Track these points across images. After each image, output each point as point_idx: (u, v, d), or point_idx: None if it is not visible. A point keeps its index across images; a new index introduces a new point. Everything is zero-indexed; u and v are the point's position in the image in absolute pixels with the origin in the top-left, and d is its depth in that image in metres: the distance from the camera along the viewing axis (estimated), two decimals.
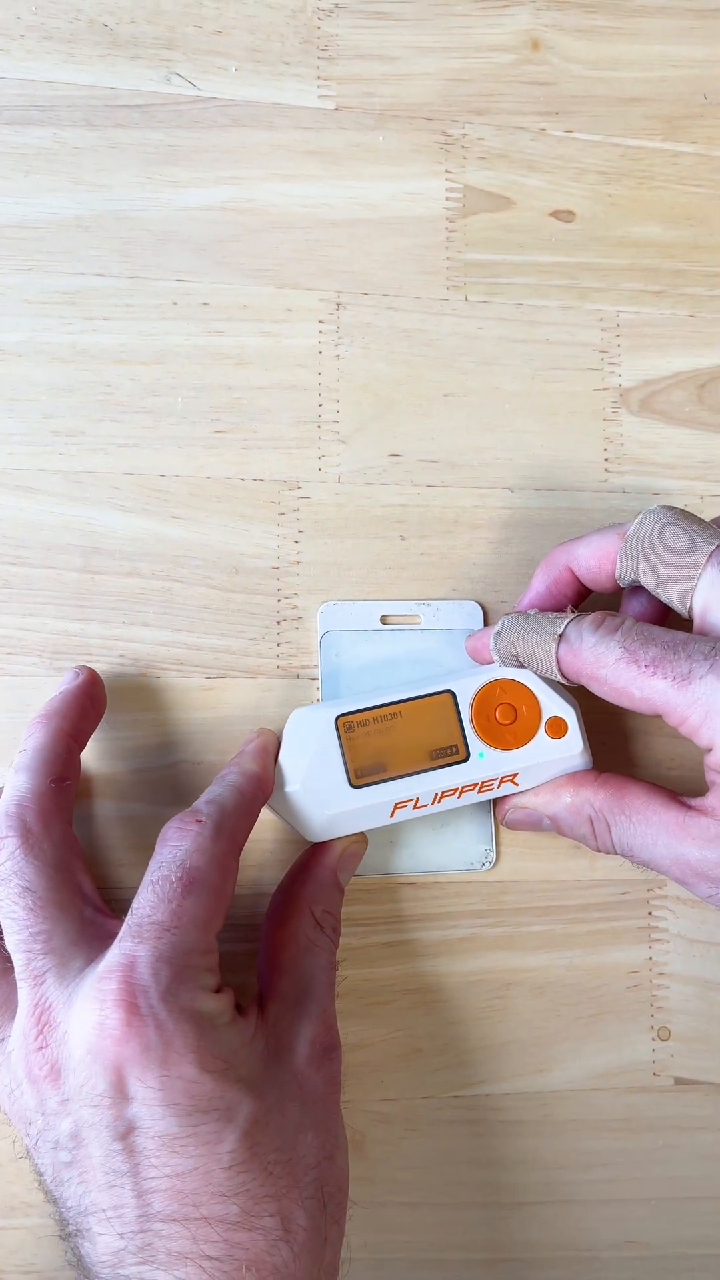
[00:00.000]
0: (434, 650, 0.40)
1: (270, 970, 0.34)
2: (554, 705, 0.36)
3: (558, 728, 0.36)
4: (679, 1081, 0.40)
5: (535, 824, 0.37)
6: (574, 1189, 0.40)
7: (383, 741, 0.35)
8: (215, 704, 0.39)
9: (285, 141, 0.42)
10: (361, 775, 0.35)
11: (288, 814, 0.35)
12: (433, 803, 0.35)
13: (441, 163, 0.43)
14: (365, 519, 0.41)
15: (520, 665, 0.36)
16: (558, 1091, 0.40)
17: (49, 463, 0.40)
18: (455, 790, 0.35)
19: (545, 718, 0.36)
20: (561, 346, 0.43)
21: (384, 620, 0.40)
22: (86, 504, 0.40)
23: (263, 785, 0.34)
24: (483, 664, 0.37)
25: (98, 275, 0.41)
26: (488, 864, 0.40)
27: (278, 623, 0.40)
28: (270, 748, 0.35)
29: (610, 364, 0.43)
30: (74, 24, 0.42)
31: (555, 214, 0.44)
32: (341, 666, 0.40)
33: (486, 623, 0.41)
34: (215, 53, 0.42)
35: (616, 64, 0.45)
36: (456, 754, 0.35)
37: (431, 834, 0.39)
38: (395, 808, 0.35)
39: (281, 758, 0.35)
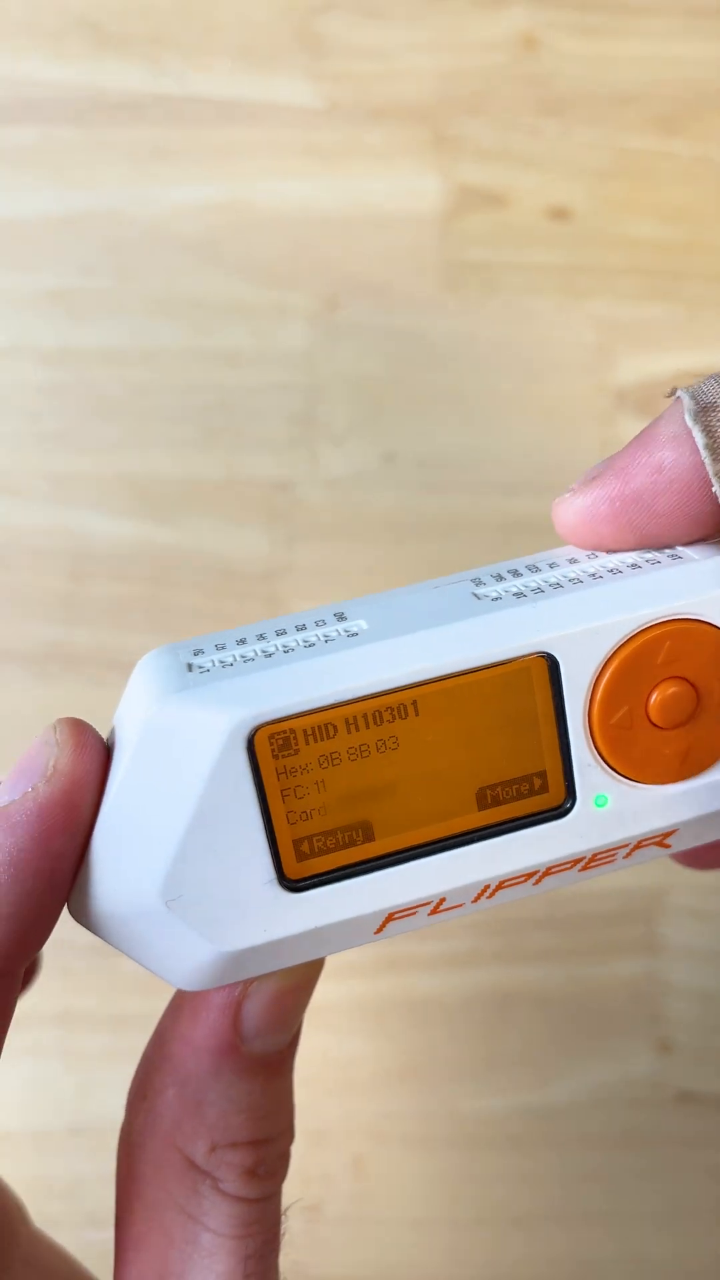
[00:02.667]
0: None
1: (123, 1260, 0.17)
2: None
3: None
4: (681, 1095, 0.40)
5: None
6: (574, 1204, 0.39)
7: (367, 774, 0.15)
8: None
9: (277, 139, 0.42)
10: (309, 855, 0.15)
11: (127, 943, 0.15)
12: (476, 900, 0.16)
13: (435, 161, 0.43)
14: (359, 522, 0.40)
15: None
16: (558, 1106, 0.39)
17: (35, 465, 0.39)
18: (530, 875, 0.16)
19: None
20: (557, 347, 0.43)
21: None
22: (74, 507, 0.39)
23: (49, 857, 0.14)
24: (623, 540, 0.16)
25: (85, 275, 0.40)
26: None
27: None
28: (79, 778, 0.14)
29: (607, 364, 0.43)
30: (62, 21, 0.41)
31: (550, 213, 0.43)
32: None
33: None
34: (206, 50, 0.42)
35: (612, 62, 0.44)
36: (542, 795, 0.16)
37: None
38: (389, 920, 0.16)
39: (105, 816, 0.15)
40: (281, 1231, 0.17)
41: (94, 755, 0.15)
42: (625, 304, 0.43)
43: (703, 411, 0.15)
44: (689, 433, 0.15)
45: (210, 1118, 0.16)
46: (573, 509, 0.16)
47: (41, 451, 0.39)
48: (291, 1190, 0.38)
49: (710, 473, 0.15)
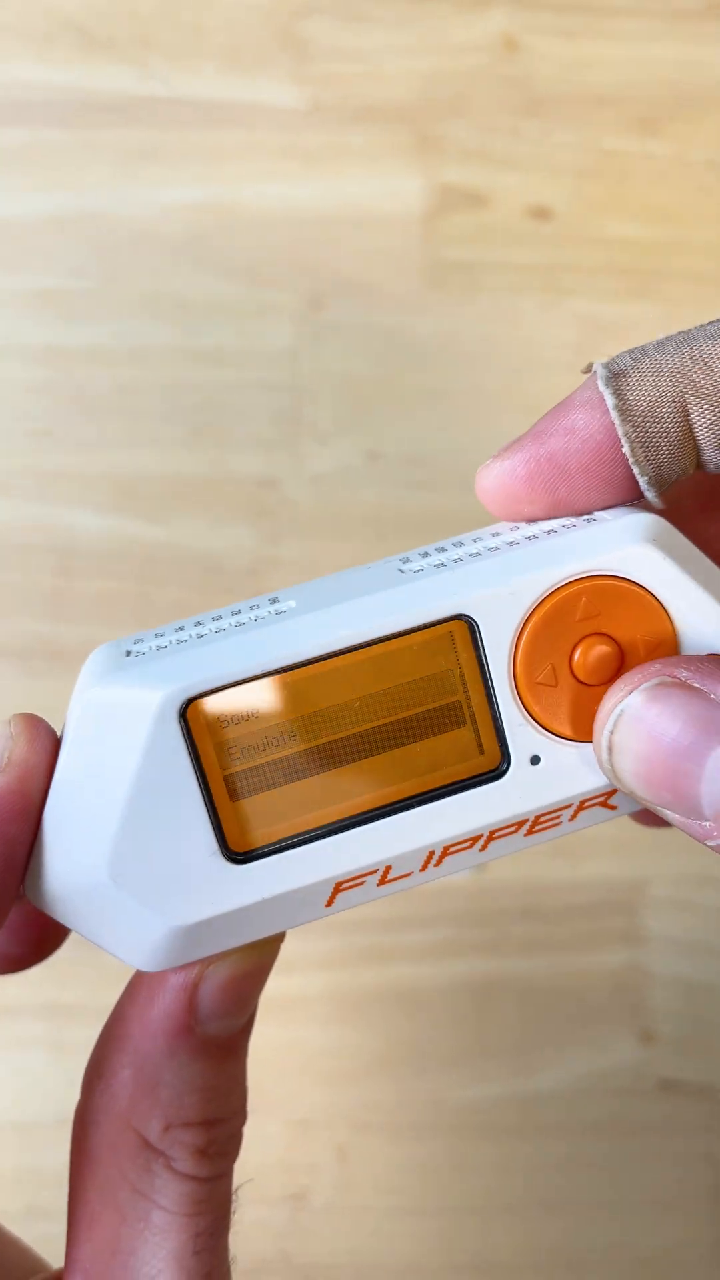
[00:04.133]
0: None
1: (75, 1237, 0.17)
2: (708, 619, 0.16)
3: None
4: (663, 1084, 0.40)
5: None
6: (559, 1193, 0.39)
7: (301, 744, 0.15)
8: None
9: (262, 141, 0.42)
10: (253, 829, 0.15)
11: (82, 923, 0.16)
12: (424, 869, 0.16)
13: (418, 162, 0.43)
14: (344, 519, 0.41)
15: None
16: (541, 1095, 0.40)
17: (22, 463, 0.39)
18: (474, 839, 0.16)
19: (689, 653, 0.16)
20: (539, 345, 0.43)
21: None
22: (60, 505, 0.39)
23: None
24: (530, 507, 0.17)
25: (72, 275, 0.41)
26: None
27: None
28: (31, 767, 0.15)
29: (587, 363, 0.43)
30: (50, 24, 0.42)
31: (532, 213, 0.44)
32: None
33: None
34: (191, 53, 0.42)
35: (591, 64, 0.45)
36: (478, 757, 0.16)
37: None
38: (337, 890, 0.16)
39: (52, 798, 0.15)
40: (232, 1210, 0.18)
41: (45, 746, 0.15)
42: (606, 303, 0.44)
43: (614, 378, 0.15)
44: (601, 398, 0.15)
45: (164, 1097, 0.16)
46: (492, 473, 0.16)
47: (29, 449, 0.40)
48: (277, 1179, 0.39)
49: (620, 432, 0.15)
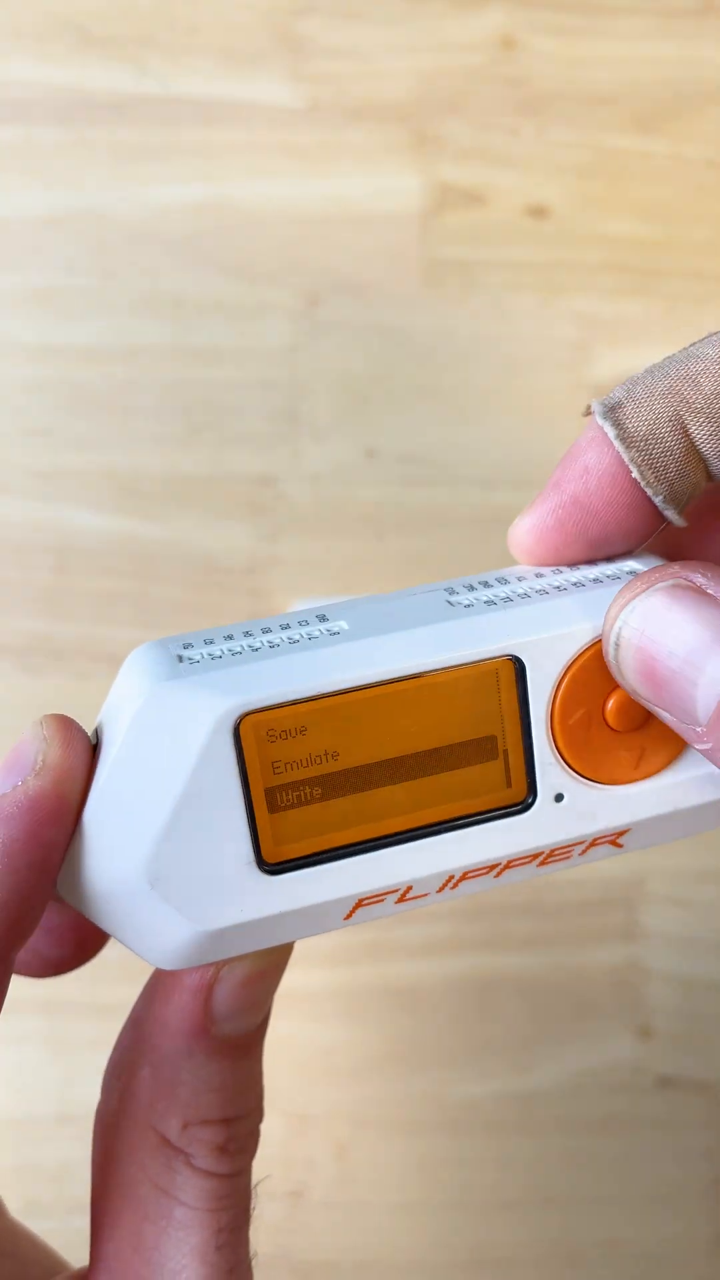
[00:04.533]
0: None
1: (100, 1233, 0.18)
2: None
3: None
4: (661, 1080, 0.40)
5: None
6: (556, 1188, 0.40)
7: (344, 765, 0.16)
8: None
9: (259, 139, 0.42)
10: (286, 842, 0.16)
11: (111, 921, 0.16)
12: (441, 890, 0.17)
13: (415, 160, 0.43)
14: (341, 516, 0.41)
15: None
16: (539, 1091, 0.40)
17: (20, 461, 0.39)
18: (491, 867, 0.17)
19: None
20: (537, 343, 0.43)
21: None
22: (58, 503, 0.39)
23: (40, 841, 0.15)
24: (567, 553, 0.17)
25: (69, 273, 0.41)
26: None
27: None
28: (67, 770, 0.15)
29: (586, 360, 0.43)
30: (46, 23, 0.42)
31: (530, 211, 0.44)
32: None
33: None
34: (188, 51, 0.42)
35: (589, 63, 0.45)
36: (505, 791, 0.16)
37: None
38: (358, 906, 0.16)
39: (97, 795, 0.15)
40: (251, 1206, 0.18)
41: (80, 749, 0.15)
42: (603, 301, 0.44)
43: (610, 410, 0.16)
44: (604, 433, 0.16)
45: (183, 1096, 0.17)
46: (523, 528, 0.17)
47: (26, 448, 0.40)
48: (276, 1175, 0.39)
49: (626, 459, 0.16)
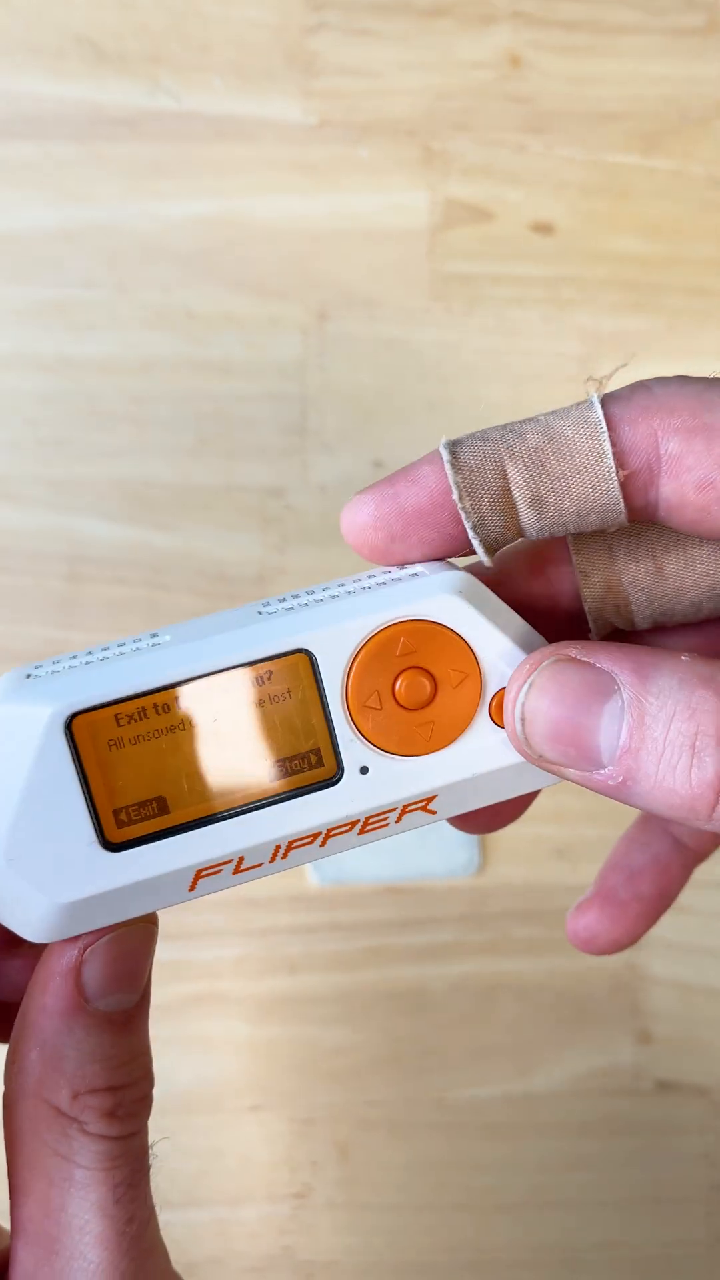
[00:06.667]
0: None
1: (15, 1203, 0.20)
2: (509, 660, 0.19)
3: None
4: (660, 1084, 0.41)
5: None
6: (556, 1191, 0.40)
7: (167, 756, 0.19)
8: None
9: (269, 155, 0.43)
10: (125, 824, 0.18)
11: None
12: (273, 860, 0.19)
13: (423, 177, 0.44)
14: None
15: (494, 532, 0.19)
16: (540, 1095, 0.40)
17: (34, 471, 0.40)
18: (313, 836, 0.19)
19: (491, 687, 0.19)
20: (542, 357, 0.44)
21: None
22: (71, 512, 0.40)
23: None
24: (389, 556, 0.20)
25: (83, 286, 0.41)
26: (471, 869, 0.40)
27: None
28: None
29: (590, 374, 0.44)
30: (61, 39, 0.42)
31: (535, 227, 0.45)
32: None
33: None
34: (200, 68, 0.43)
35: (595, 81, 0.46)
36: (316, 768, 0.19)
37: (414, 838, 0.40)
38: (198, 877, 0.19)
39: None
40: (149, 1163, 0.20)
41: None
42: (607, 315, 0.44)
43: (452, 444, 0.19)
44: (440, 457, 0.19)
45: (69, 1070, 0.19)
46: (348, 511, 0.20)
47: (40, 458, 0.40)
48: (280, 1176, 0.39)
49: (450, 480, 0.19)
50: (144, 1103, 0.20)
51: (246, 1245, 0.38)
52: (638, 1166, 0.40)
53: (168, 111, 0.43)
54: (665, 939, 0.41)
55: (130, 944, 0.19)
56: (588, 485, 0.18)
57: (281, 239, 0.43)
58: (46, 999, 0.19)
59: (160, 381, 0.41)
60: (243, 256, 0.42)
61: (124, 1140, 0.19)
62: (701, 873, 0.41)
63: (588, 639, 0.20)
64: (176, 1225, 0.38)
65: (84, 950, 0.19)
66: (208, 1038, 0.38)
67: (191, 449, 0.41)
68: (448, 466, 0.19)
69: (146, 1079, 0.20)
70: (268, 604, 0.20)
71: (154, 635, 0.19)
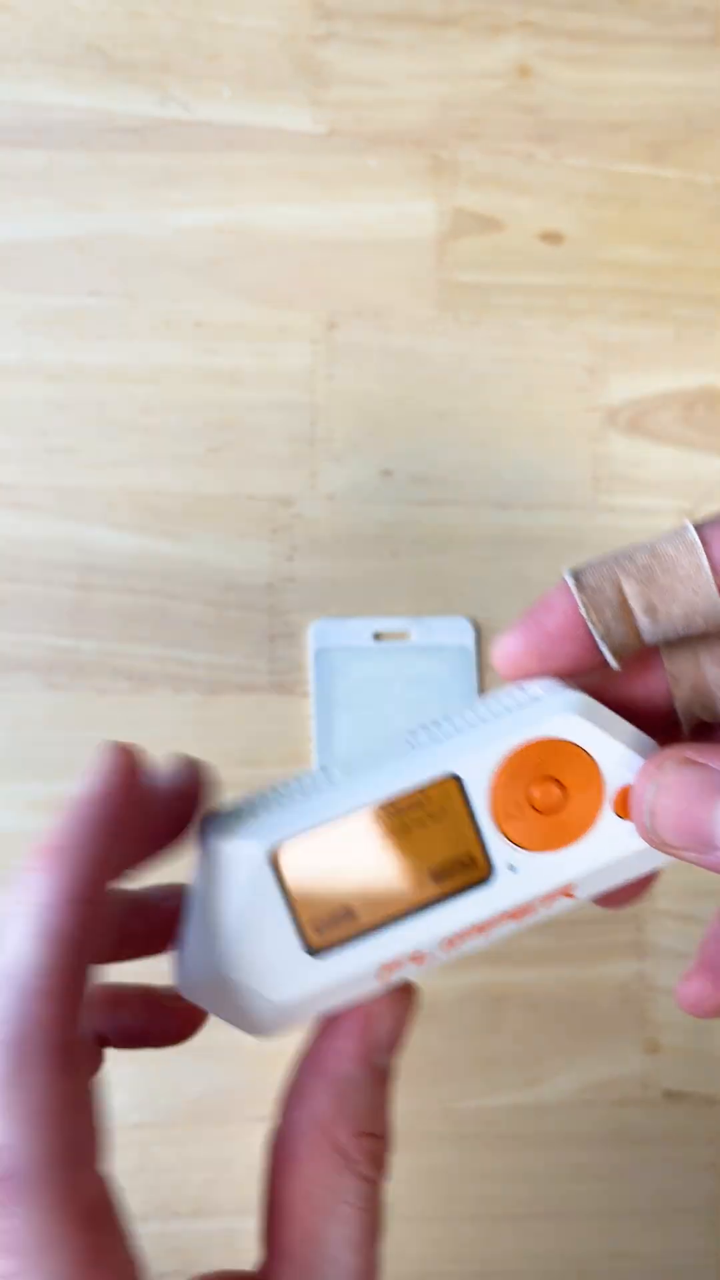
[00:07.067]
0: (430, 672, 0.40)
1: (275, 1224, 0.22)
2: (625, 764, 0.22)
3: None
4: (668, 1094, 0.41)
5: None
6: (565, 1201, 0.40)
7: (353, 869, 0.22)
8: (209, 719, 0.40)
9: (278, 164, 0.43)
10: (323, 931, 0.22)
11: (208, 1003, 0.22)
12: (444, 949, 0.22)
13: (432, 186, 0.44)
14: (357, 536, 0.42)
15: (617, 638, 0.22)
16: (548, 1105, 0.40)
17: (44, 480, 0.40)
18: (477, 928, 0.22)
19: (611, 787, 0.23)
20: (550, 366, 0.44)
21: (377, 637, 0.41)
22: (81, 521, 0.40)
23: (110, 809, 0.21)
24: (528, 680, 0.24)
25: (93, 295, 0.41)
26: None
27: (271, 639, 0.40)
28: (119, 782, 0.21)
29: (598, 384, 0.44)
30: (70, 48, 0.42)
31: (544, 236, 0.45)
32: (335, 684, 0.40)
33: (480, 640, 0.41)
34: (210, 77, 0.43)
35: (603, 90, 0.46)
36: (472, 871, 0.22)
37: None
38: (383, 971, 0.22)
39: (187, 920, 0.22)
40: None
41: (124, 764, 0.22)
42: (616, 325, 0.44)
43: (576, 571, 0.22)
44: (567, 584, 0.22)
45: (352, 1113, 0.21)
46: (501, 642, 0.23)
47: (50, 466, 0.40)
48: None
49: (577, 600, 0.22)
50: (390, 1153, 0.22)
51: (251, 1255, 0.38)
52: (646, 1177, 0.40)
53: (177, 121, 0.43)
54: (674, 949, 0.41)
55: (399, 1009, 0.22)
56: (691, 591, 0.22)
57: (290, 248, 0.43)
58: (342, 1042, 0.22)
59: (170, 390, 0.41)
60: (252, 266, 0.42)
61: (378, 1185, 0.21)
62: (711, 882, 0.41)
63: (679, 733, 0.24)
64: (185, 1235, 0.38)
65: (374, 1015, 0.22)
66: (217, 1048, 0.38)
67: (201, 458, 0.41)
68: (574, 590, 0.22)
69: (391, 1135, 0.22)
70: (414, 734, 0.23)
71: (325, 771, 0.23)
